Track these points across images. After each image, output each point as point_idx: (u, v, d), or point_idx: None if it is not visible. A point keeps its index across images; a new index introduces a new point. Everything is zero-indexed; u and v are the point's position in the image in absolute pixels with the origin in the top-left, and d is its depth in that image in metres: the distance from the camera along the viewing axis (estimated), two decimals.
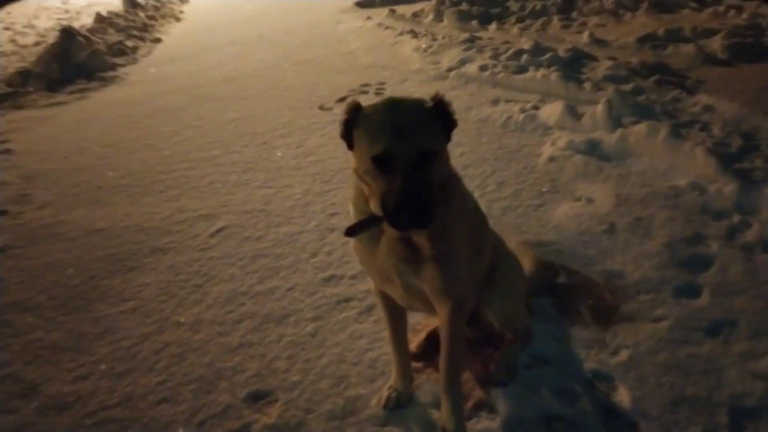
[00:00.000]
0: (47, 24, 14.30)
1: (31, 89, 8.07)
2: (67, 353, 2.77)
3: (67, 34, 9.10)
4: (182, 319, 2.91)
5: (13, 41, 12.36)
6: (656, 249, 3.02)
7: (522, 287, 2.41)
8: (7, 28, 13.75)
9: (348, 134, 1.73)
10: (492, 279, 2.21)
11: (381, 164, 1.62)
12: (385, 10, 11.39)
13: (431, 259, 1.84)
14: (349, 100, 1.82)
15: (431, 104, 1.72)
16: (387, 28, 10.03)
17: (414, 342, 2.50)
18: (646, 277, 2.84)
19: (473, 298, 2.15)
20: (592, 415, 2.16)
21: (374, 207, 1.76)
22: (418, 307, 2.12)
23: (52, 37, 11.76)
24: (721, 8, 8.34)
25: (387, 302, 2.16)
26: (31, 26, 14.15)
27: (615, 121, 4.42)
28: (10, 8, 16.77)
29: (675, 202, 3.43)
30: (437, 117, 1.70)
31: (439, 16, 10.04)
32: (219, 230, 3.75)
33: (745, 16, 7.77)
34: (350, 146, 1.75)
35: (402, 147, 1.59)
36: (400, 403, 2.25)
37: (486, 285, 2.21)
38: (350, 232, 1.80)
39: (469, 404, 2.25)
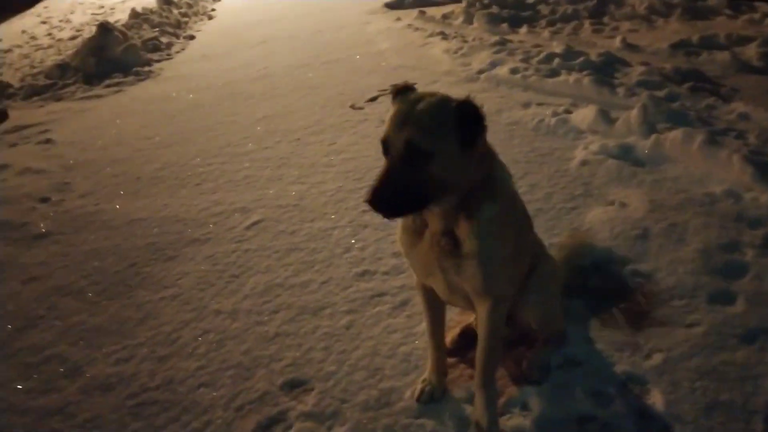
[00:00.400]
0: (83, 19, 14.65)
1: (69, 82, 8.29)
2: (109, 336, 2.88)
3: (104, 29, 9.31)
4: (220, 308, 3.00)
5: (49, 35, 12.69)
6: (690, 255, 3.02)
7: (558, 290, 2.44)
8: (44, 22, 14.13)
9: None
10: (531, 280, 2.25)
11: (384, 149, 1.72)
12: (414, 12, 11.40)
13: (472, 257, 1.87)
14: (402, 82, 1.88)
15: (455, 105, 1.70)
16: (416, 29, 10.05)
17: (448, 337, 2.54)
18: (680, 283, 2.83)
19: (512, 296, 2.19)
20: (625, 417, 2.18)
21: None
22: (459, 303, 2.16)
23: (87, 32, 12.06)
24: (757, 15, 8.20)
25: (427, 296, 2.21)
26: (68, 21, 14.49)
27: (649, 127, 4.40)
28: (47, 2, 17.19)
29: (710, 209, 3.41)
30: (455, 119, 1.67)
31: (469, 19, 10.03)
32: (254, 223, 3.83)
33: None
34: None
35: (396, 137, 1.67)
36: (434, 397, 2.30)
37: (524, 286, 2.24)
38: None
39: (502, 400, 2.28)
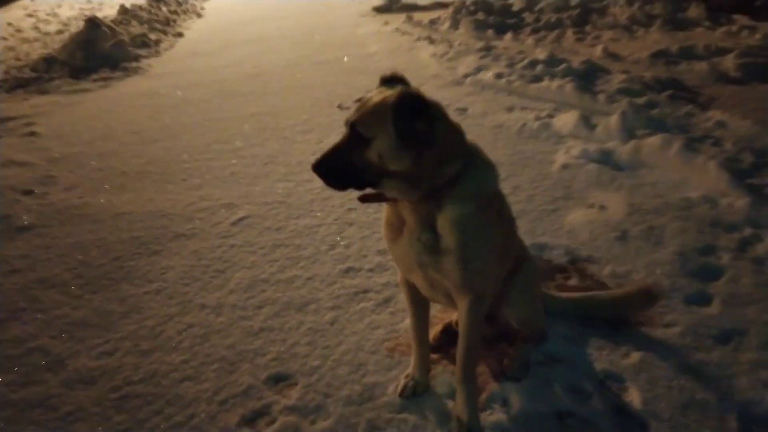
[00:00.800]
0: (70, 13, 14.52)
1: (55, 75, 8.22)
2: (92, 329, 2.87)
3: (93, 23, 9.25)
4: (205, 302, 3.01)
5: (36, 28, 12.55)
6: (668, 257, 3.09)
7: (539, 289, 2.49)
8: (30, 15, 13.97)
9: None
10: (513, 280, 2.29)
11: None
12: (402, 16, 11.50)
13: (449, 253, 1.91)
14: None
15: (395, 100, 1.72)
16: (404, 33, 10.14)
17: (431, 334, 2.57)
18: (657, 284, 2.90)
19: (492, 294, 2.24)
20: (603, 413, 2.23)
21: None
22: (440, 299, 2.19)
23: (74, 26, 11.97)
24: (735, 28, 8.41)
25: (412, 292, 2.24)
26: (54, 14, 14.35)
27: (628, 133, 4.50)
28: None
29: (687, 213, 3.50)
30: (391, 111, 1.71)
31: (455, 24, 10.15)
32: (240, 219, 3.84)
33: (758, 36, 7.84)
34: None
35: (349, 120, 1.81)
36: (416, 392, 2.33)
37: (506, 285, 2.29)
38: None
39: (483, 396, 2.32)
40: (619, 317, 2.69)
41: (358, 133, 1.76)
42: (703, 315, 2.69)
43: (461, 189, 1.87)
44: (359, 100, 6.19)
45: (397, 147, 1.73)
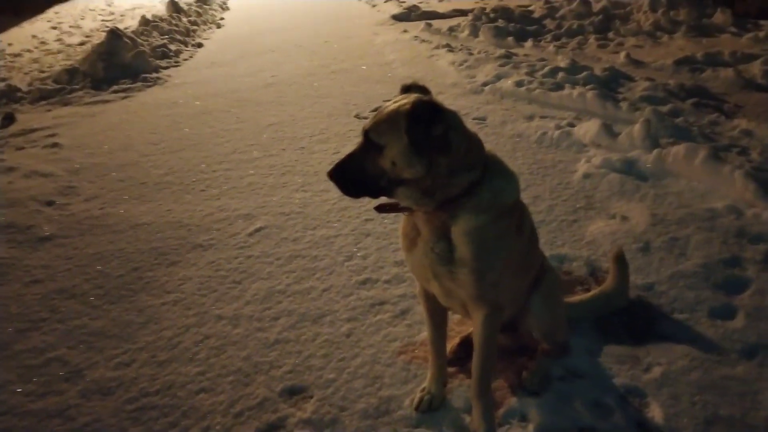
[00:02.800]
0: (93, 25, 14.79)
1: (77, 87, 8.35)
2: (110, 340, 2.88)
3: (114, 35, 9.40)
4: (222, 313, 3.01)
5: (59, 40, 12.81)
6: (692, 269, 3.02)
7: (563, 300, 2.45)
8: (54, 28, 14.26)
9: None
10: (536, 291, 2.26)
11: None
12: (421, 24, 11.51)
13: (463, 264, 1.89)
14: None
15: (408, 108, 1.73)
16: (423, 41, 10.13)
17: (447, 347, 2.54)
18: (680, 297, 2.84)
19: (512, 308, 2.21)
20: (625, 429, 2.18)
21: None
22: (457, 309, 2.17)
23: (97, 38, 12.18)
24: (762, 34, 8.25)
25: (429, 303, 2.22)
26: (78, 26, 14.63)
27: (652, 141, 4.42)
28: (58, 8, 17.38)
29: (712, 224, 3.42)
30: (405, 119, 1.71)
31: (475, 32, 10.12)
32: (257, 230, 3.85)
33: None
34: None
35: (363, 127, 1.81)
36: (433, 406, 2.30)
37: (529, 297, 2.25)
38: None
39: (501, 411, 2.28)
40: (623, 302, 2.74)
41: (371, 140, 1.78)
42: (727, 329, 2.62)
43: (477, 199, 1.86)
44: (376, 109, 6.21)
45: (409, 154, 1.73)
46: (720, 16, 9.25)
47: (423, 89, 1.94)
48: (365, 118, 6.07)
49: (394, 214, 3.79)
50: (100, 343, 2.87)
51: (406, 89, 1.94)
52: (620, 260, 2.75)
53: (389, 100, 1.87)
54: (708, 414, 2.19)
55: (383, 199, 1.94)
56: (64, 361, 2.76)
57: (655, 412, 2.23)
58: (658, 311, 2.77)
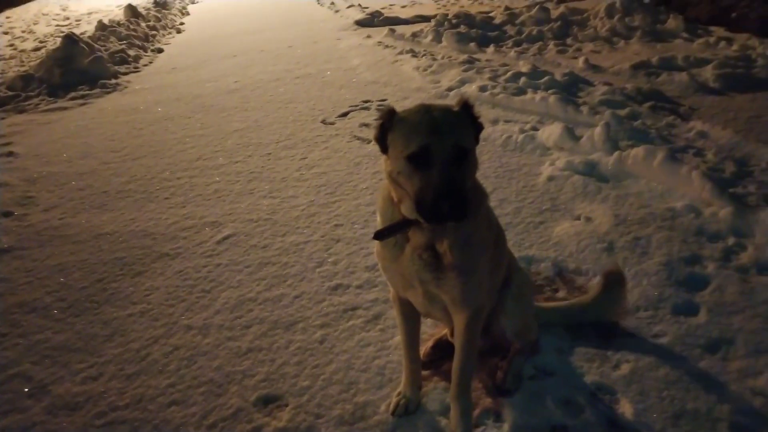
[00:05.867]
0: (47, 30, 14.36)
1: (32, 94, 8.10)
2: (75, 354, 2.80)
3: (70, 40, 9.14)
4: (191, 323, 2.96)
5: (11, 45, 12.39)
6: (654, 268, 3.12)
7: (532, 300, 2.49)
8: (5, 33, 13.79)
9: (382, 138, 1.83)
10: (506, 292, 2.29)
11: (418, 161, 1.71)
12: (384, 29, 11.55)
13: (453, 269, 1.91)
14: (385, 105, 1.98)
15: (458, 108, 1.85)
16: (387, 46, 10.17)
17: (421, 350, 2.55)
18: (644, 295, 2.92)
19: (489, 306, 2.23)
20: (596, 426, 2.23)
21: (405, 210, 1.84)
22: (437, 315, 2.18)
23: (51, 43, 11.84)
24: (712, 39, 8.57)
25: (404, 309, 2.23)
26: (31, 31, 14.19)
27: (612, 144, 4.55)
28: (10, 13, 16.82)
29: (672, 223, 3.54)
30: (466, 118, 1.84)
31: (438, 37, 10.22)
32: (225, 237, 3.80)
33: (735, 47, 8.00)
34: (384, 150, 1.84)
35: (440, 141, 1.70)
36: (408, 410, 2.31)
37: (500, 297, 2.29)
38: (379, 235, 1.91)
39: (476, 412, 2.30)
40: (605, 316, 2.74)
41: (460, 148, 1.73)
42: (690, 325, 2.71)
43: (476, 203, 1.93)
44: (343, 115, 6.20)
45: (474, 150, 1.83)
46: (672, 22, 9.57)
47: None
48: (332, 123, 6.07)
49: (365, 218, 3.83)
50: (64, 358, 2.78)
51: (389, 116, 1.85)
52: (610, 277, 2.71)
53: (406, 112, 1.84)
54: (676, 408, 2.26)
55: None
56: (28, 376, 2.67)
57: (625, 408, 2.28)
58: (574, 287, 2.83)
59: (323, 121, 6.17)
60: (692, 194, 3.76)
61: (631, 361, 2.51)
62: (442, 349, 2.56)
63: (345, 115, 6.33)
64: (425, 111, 1.78)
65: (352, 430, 2.27)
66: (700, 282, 3.00)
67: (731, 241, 3.31)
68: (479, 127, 1.87)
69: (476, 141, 1.86)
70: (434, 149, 1.70)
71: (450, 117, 1.77)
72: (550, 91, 6.08)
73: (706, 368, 2.45)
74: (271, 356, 2.68)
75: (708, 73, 6.56)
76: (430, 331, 2.74)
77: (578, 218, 3.72)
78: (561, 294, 3.01)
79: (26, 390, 2.59)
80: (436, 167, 1.69)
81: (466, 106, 1.85)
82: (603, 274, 2.77)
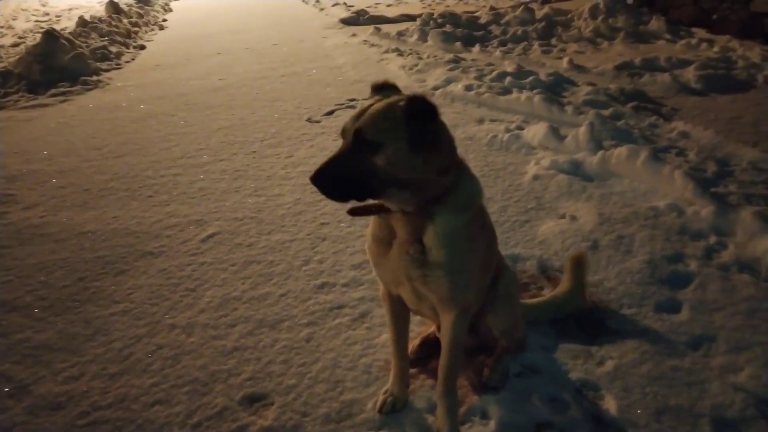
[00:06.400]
0: (26, 25, 14.14)
1: (11, 90, 7.97)
2: (57, 353, 2.76)
3: (50, 36, 9.00)
4: (175, 322, 2.92)
5: None
6: (638, 266, 3.15)
7: (519, 298, 2.50)
8: None
9: None
10: (494, 289, 2.30)
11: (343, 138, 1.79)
12: (370, 28, 11.55)
13: (438, 267, 1.90)
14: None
15: (403, 104, 1.72)
16: (372, 45, 10.18)
17: (409, 348, 2.55)
18: (628, 292, 2.95)
19: (476, 306, 2.24)
20: (581, 422, 2.24)
21: None
22: (426, 313, 2.18)
23: (31, 39, 11.65)
24: (694, 41, 8.70)
25: (393, 306, 2.22)
26: (9, 27, 13.95)
27: (596, 144, 4.59)
28: None
29: (655, 222, 3.58)
30: (403, 114, 1.69)
31: (423, 36, 10.24)
32: (210, 236, 3.77)
33: (716, 49, 8.13)
34: None
35: (350, 127, 1.74)
36: (396, 408, 2.30)
37: (488, 296, 2.29)
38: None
39: (463, 409, 2.31)
40: (581, 306, 2.81)
41: (363, 139, 1.69)
42: (673, 322, 2.74)
43: (454, 200, 1.87)
44: (329, 113, 6.18)
45: (407, 151, 1.69)
46: (655, 23, 9.70)
47: (395, 88, 1.93)
48: (317, 121, 6.05)
49: (350, 218, 3.82)
50: (46, 357, 2.73)
51: (379, 88, 1.92)
52: (577, 263, 2.80)
53: (367, 100, 1.84)
54: (659, 404, 2.28)
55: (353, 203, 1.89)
56: (8, 376, 2.62)
57: (610, 405, 2.30)
58: (608, 307, 2.87)
59: (309, 120, 6.15)
60: (675, 193, 3.80)
61: (615, 357, 2.54)
62: (430, 346, 2.57)
63: (331, 113, 6.32)
64: (379, 99, 1.80)
65: (339, 428, 2.26)
66: (682, 280, 3.04)
67: (713, 239, 3.35)
68: (425, 127, 1.70)
69: (420, 140, 1.70)
70: (346, 131, 1.76)
71: (381, 109, 1.72)
72: (535, 91, 6.12)
73: (689, 365, 2.48)
74: (256, 355, 2.67)
75: (690, 74, 6.65)
76: (418, 329, 2.74)
77: (563, 217, 3.75)
78: (546, 292, 3.02)
79: (6, 390, 2.54)
80: (341, 147, 1.76)
81: (409, 105, 1.70)
82: (572, 261, 2.82)
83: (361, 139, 1.70)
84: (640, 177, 4.03)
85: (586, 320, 2.78)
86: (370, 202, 1.87)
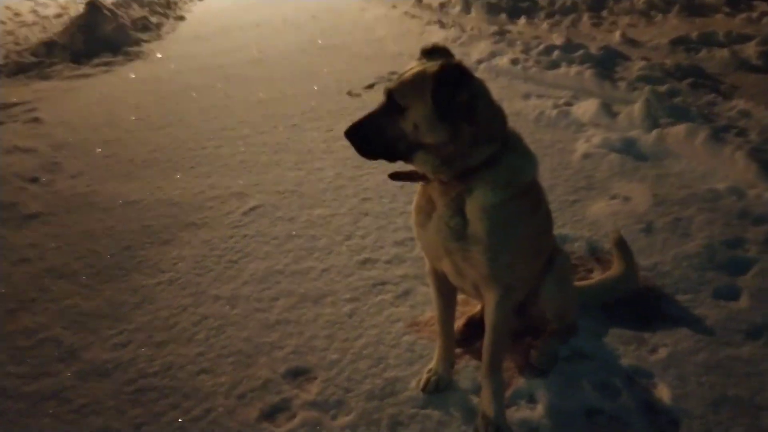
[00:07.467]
0: None
1: (56, 60, 8.11)
2: (105, 320, 2.80)
3: (93, 6, 9.11)
4: (219, 293, 2.94)
5: (34, 12, 12.40)
6: (695, 250, 3.00)
7: (572, 281, 2.41)
8: None
9: None
10: (549, 273, 2.21)
11: None
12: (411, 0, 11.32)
13: (477, 242, 1.83)
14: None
15: (435, 70, 1.67)
16: (413, 17, 9.97)
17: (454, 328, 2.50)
18: (684, 278, 2.82)
19: (524, 290, 2.16)
20: (633, 410, 2.16)
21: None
22: (468, 290, 2.11)
23: (73, 10, 11.82)
24: (755, 14, 8.24)
25: (439, 282, 2.16)
26: None
27: (652, 121, 4.39)
28: None
29: (714, 205, 3.41)
30: (432, 81, 1.65)
31: (466, 8, 9.98)
32: (252, 209, 3.76)
33: None
34: None
35: (387, 87, 1.76)
36: (439, 387, 2.26)
37: (542, 279, 2.21)
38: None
39: (509, 392, 2.25)
40: (634, 290, 2.71)
41: (394, 101, 1.72)
42: (731, 309, 2.61)
43: (495, 173, 1.79)
44: (370, 86, 6.09)
45: (433, 118, 1.67)
46: None
47: (446, 52, 1.87)
48: (357, 95, 5.97)
49: (394, 193, 3.76)
50: (93, 324, 2.78)
51: (428, 52, 1.87)
52: (621, 244, 2.71)
53: (413, 63, 1.81)
54: (716, 395, 2.18)
55: (398, 166, 1.89)
56: (58, 341, 2.68)
57: (663, 393, 2.21)
58: (663, 292, 2.75)
59: (349, 93, 6.07)
60: (735, 175, 3.61)
61: (669, 345, 2.43)
62: (475, 327, 2.50)
63: (371, 87, 6.22)
64: (422, 63, 1.79)
65: (382, 405, 2.23)
66: (742, 265, 2.88)
67: None
68: (453, 95, 1.64)
69: (446, 108, 1.65)
70: (384, 92, 1.77)
71: (413, 73, 1.73)
72: (584, 66, 5.89)
73: (748, 355, 2.36)
74: (299, 329, 2.65)
75: (751, 50, 6.30)
76: (462, 308, 2.67)
77: (615, 197, 3.61)
78: (595, 274, 2.92)
79: (56, 354, 2.60)
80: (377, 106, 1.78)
81: (440, 72, 1.65)
82: (614, 244, 2.73)
83: (391, 101, 1.73)
84: (699, 157, 3.84)
85: (639, 305, 2.67)
86: (409, 168, 1.88)
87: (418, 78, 1.70)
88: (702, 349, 2.40)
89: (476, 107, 1.69)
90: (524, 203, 1.89)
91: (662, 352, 2.40)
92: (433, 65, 1.71)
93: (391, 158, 1.80)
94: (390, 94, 1.73)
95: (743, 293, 2.71)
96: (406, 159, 1.80)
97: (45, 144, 5.11)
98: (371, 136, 1.77)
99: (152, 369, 2.48)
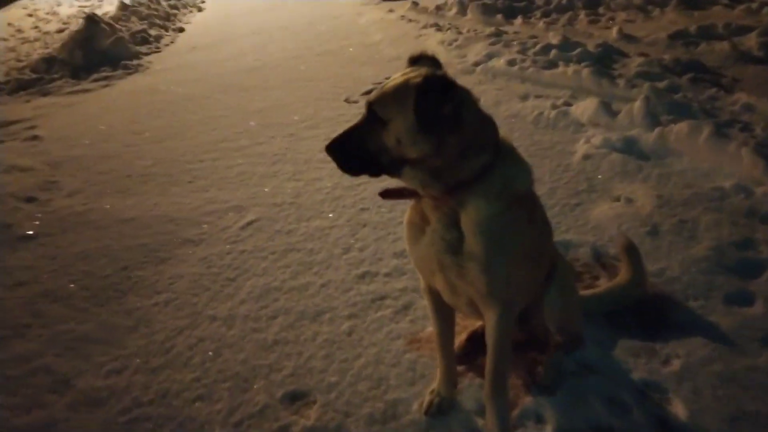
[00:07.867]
0: (70, 11, 14.34)
1: (56, 76, 8.08)
2: (99, 346, 2.73)
3: (92, 21, 9.09)
4: (216, 314, 2.86)
5: (36, 27, 12.40)
6: (703, 253, 2.91)
7: (576, 291, 2.33)
8: (30, 15, 13.81)
9: None
10: (550, 281, 2.13)
11: None
12: (407, 3, 11.25)
13: (472, 258, 1.76)
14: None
15: (419, 81, 1.59)
16: (410, 20, 9.90)
17: (455, 344, 2.42)
18: (694, 283, 2.73)
19: (525, 302, 2.08)
20: (645, 427, 2.07)
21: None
22: (463, 308, 2.03)
23: (75, 24, 11.79)
24: (755, 5, 8.13)
25: (435, 300, 2.09)
26: (54, 13, 14.19)
27: (653, 119, 4.30)
28: None
29: (720, 204, 3.31)
30: (414, 93, 1.57)
31: (462, 10, 9.90)
32: (249, 223, 3.69)
33: None
34: None
35: (367, 100, 1.70)
36: (442, 409, 2.18)
37: (544, 289, 2.13)
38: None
39: (515, 412, 2.17)
40: (641, 298, 2.62)
41: (375, 113, 1.65)
42: (746, 316, 2.52)
43: (488, 185, 1.72)
44: (367, 93, 6.02)
45: (415, 131, 1.59)
46: None
47: (433, 61, 1.80)
48: (355, 102, 5.90)
49: (391, 203, 3.68)
50: (87, 350, 2.71)
51: (415, 60, 1.80)
52: (630, 250, 2.63)
53: (397, 73, 1.73)
54: (733, 410, 2.09)
55: (390, 183, 1.83)
56: (51, 370, 2.61)
57: (678, 409, 2.12)
58: (671, 299, 2.66)
59: (347, 100, 6.00)
60: (742, 172, 3.52)
61: (682, 355, 2.34)
62: (478, 341, 2.41)
63: (368, 92, 6.12)
64: (404, 73, 1.71)
65: (384, 430, 2.15)
66: (754, 268, 2.79)
67: None
68: (437, 108, 1.56)
69: (429, 120, 1.56)
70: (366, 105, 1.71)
71: (394, 85, 1.65)
72: (582, 64, 5.80)
73: (765, 364, 2.27)
74: (297, 349, 2.58)
75: (751, 42, 6.20)
76: (463, 322, 2.59)
77: (618, 199, 3.52)
78: (601, 281, 2.83)
79: (49, 384, 2.53)
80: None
81: (422, 83, 1.57)
82: (623, 249, 2.64)
83: (372, 114, 1.67)
84: (702, 155, 3.75)
85: (647, 313, 2.58)
86: (401, 184, 1.81)
87: (400, 90, 1.62)
88: (717, 360, 2.31)
89: (462, 118, 1.61)
90: (520, 213, 1.81)
91: (675, 364, 2.31)
92: (415, 76, 1.63)
93: (376, 174, 1.73)
94: (370, 106, 1.67)
95: (757, 298, 2.62)
96: (393, 174, 1.73)
97: (43, 162, 5.06)
98: (353, 151, 1.70)
99: (147, 397, 2.41)
